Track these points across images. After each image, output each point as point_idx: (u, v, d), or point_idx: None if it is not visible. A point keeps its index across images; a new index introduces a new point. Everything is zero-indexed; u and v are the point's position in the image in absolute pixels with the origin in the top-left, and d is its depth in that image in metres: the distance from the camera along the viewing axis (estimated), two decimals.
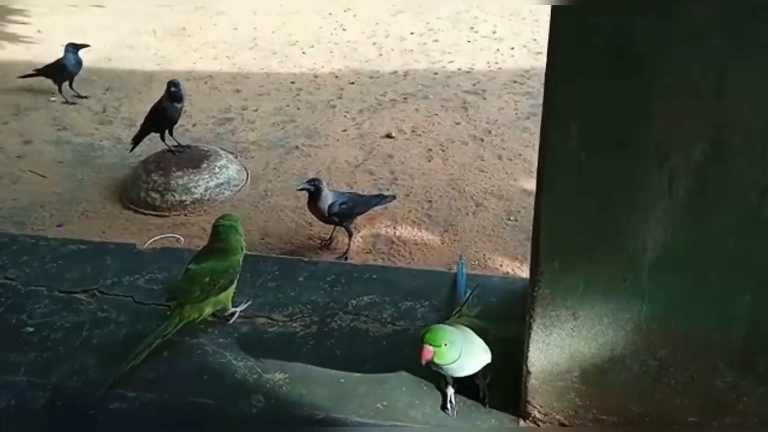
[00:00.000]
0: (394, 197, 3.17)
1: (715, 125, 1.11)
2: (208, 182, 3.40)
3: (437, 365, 1.48)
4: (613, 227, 1.23)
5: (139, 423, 1.62)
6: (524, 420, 1.54)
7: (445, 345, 1.43)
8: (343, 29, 5.44)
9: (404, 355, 1.72)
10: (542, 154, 1.21)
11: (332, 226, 3.04)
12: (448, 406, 1.59)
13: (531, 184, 3.52)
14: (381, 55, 5.00)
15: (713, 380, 1.35)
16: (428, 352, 1.43)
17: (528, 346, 1.42)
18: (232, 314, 1.88)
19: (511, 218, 3.29)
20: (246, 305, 1.91)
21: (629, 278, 1.27)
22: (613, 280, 1.28)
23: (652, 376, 1.37)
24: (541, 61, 5.19)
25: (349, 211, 2.92)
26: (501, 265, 2.99)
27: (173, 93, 3.36)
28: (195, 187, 3.37)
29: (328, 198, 2.89)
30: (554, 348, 1.40)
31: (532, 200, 3.59)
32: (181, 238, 3.08)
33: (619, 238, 1.23)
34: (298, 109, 4.30)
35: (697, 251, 1.22)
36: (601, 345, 1.36)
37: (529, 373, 1.45)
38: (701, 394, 1.37)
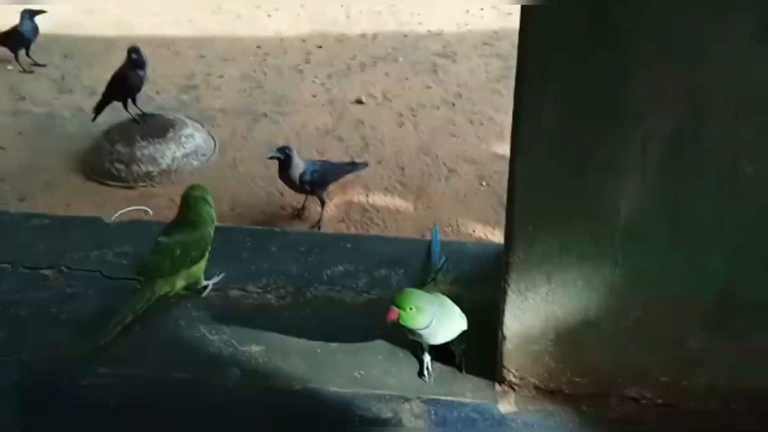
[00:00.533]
0: (366, 165, 3.15)
1: (690, 89, 1.11)
2: (174, 152, 3.34)
3: (409, 329, 1.47)
4: (587, 192, 1.23)
5: (111, 399, 1.59)
6: (500, 384, 1.55)
7: (410, 309, 1.43)
8: None
9: (380, 323, 1.71)
10: (516, 119, 1.19)
11: (304, 195, 3.01)
12: (425, 372, 1.59)
13: (503, 149, 3.52)
14: (349, 17, 4.91)
15: (686, 340, 1.37)
16: (393, 312, 1.43)
17: (503, 311, 1.43)
18: (205, 287, 1.84)
19: (484, 183, 3.29)
20: (219, 278, 1.88)
21: (603, 242, 1.27)
22: (587, 244, 1.28)
23: (625, 337, 1.39)
24: (512, 22, 5.14)
25: (321, 179, 2.90)
26: (474, 231, 3.00)
27: (134, 59, 3.27)
28: (161, 157, 3.31)
29: (299, 166, 2.86)
30: (529, 312, 1.40)
31: (504, 165, 3.58)
32: (150, 210, 3.03)
33: (593, 202, 1.23)
34: (265, 74, 4.22)
35: (670, 214, 1.23)
36: (575, 308, 1.37)
37: (504, 337, 1.46)
38: (674, 353, 1.40)
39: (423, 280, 1.76)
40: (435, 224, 2.24)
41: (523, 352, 1.47)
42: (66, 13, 4.89)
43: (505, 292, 1.40)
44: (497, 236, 2.84)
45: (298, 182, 2.85)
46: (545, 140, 1.19)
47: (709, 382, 1.42)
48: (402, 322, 1.44)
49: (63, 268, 1.94)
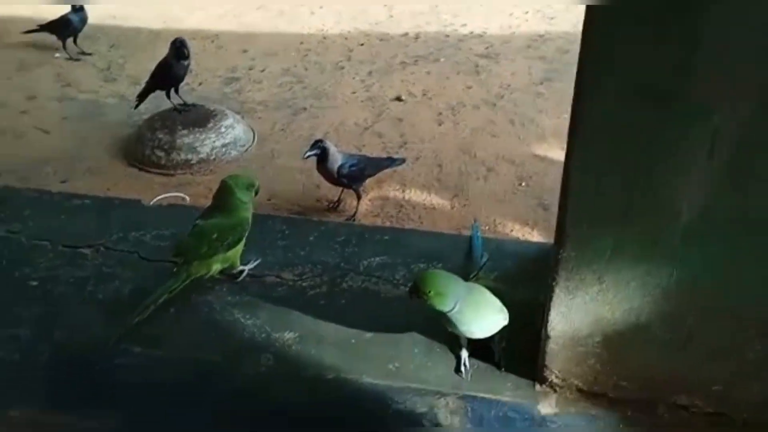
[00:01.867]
0: (404, 160, 3.12)
1: (764, 82, 1.04)
2: (214, 142, 3.34)
3: (443, 317, 1.44)
4: (648, 188, 1.16)
5: (144, 379, 1.58)
6: (540, 384, 1.49)
7: (430, 292, 1.41)
8: None
9: (417, 317, 1.67)
10: (576, 109, 1.14)
11: (340, 189, 2.98)
12: (462, 368, 1.55)
13: (543, 150, 3.47)
14: (391, 17, 4.89)
15: (743, 350, 1.30)
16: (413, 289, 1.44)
17: (549, 310, 1.37)
18: (241, 272, 1.83)
19: (522, 183, 3.23)
20: (255, 263, 1.86)
21: (661, 242, 1.21)
22: (644, 243, 1.22)
23: (677, 344, 1.32)
24: (555, 26, 5.09)
25: (358, 173, 2.87)
26: (512, 231, 2.94)
27: (179, 50, 3.29)
28: (201, 146, 3.31)
29: (337, 159, 2.83)
30: (577, 312, 1.35)
31: (543, 166, 3.53)
32: (187, 198, 3.03)
33: (655, 200, 1.17)
34: (306, 70, 4.22)
35: (734, 216, 1.16)
36: (626, 311, 1.31)
37: (548, 337, 1.41)
38: (729, 363, 1.33)
39: (464, 277, 1.71)
40: (476, 220, 2.19)
41: (568, 352, 1.41)
42: (114, 5, 4.96)
43: (552, 290, 1.34)
44: (536, 237, 2.78)
45: (335, 175, 2.82)
46: (606, 132, 1.13)
47: (764, 393, 1.34)
48: (428, 302, 1.42)
49: (101, 247, 1.94)
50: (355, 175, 2.85)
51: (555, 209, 3.24)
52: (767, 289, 1.23)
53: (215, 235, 1.72)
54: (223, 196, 1.79)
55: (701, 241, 1.20)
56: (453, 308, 1.42)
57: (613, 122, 1.12)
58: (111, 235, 1.99)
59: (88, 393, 1.56)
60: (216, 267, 1.75)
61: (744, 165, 1.11)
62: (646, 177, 1.16)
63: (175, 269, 1.74)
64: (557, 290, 1.34)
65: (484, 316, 1.47)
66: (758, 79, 1.04)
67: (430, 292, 1.41)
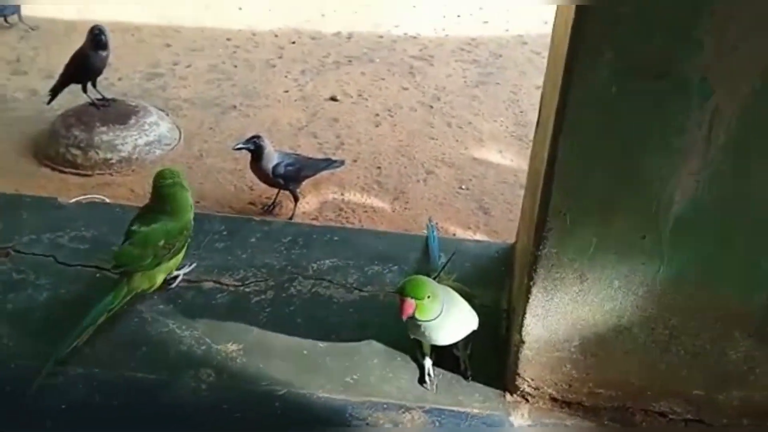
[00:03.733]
0: (342, 162, 2.98)
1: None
2: (136, 140, 3.10)
3: (416, 324, 1.30)
4: (638, 176, 1.08)
5: (68, 402, 1.37)
6: (511, 394, 1.39)
7: (428, 297, 1.27)
8: None
9: (374, 323, 1.54)
10: (565, 87, 1.04)
11: (276, 190, 2.82)
12: (426, 379, 1.42)
13: (481, 153, 3.42)
14: (323, 15, 4.75)
15: (726, 351, 1.24)
16: (410, 305, 1.26)
17: (524, 313, 1.27)
18: (174, 278, 1.64)
19: (463, 186, 3.17)
20: (190, 268, 1.68)
21: (649, 236, 1.13)
22: (631, 237, 1.14)
23: (660, 347, 1.25)
24: (489, 30, 5.07)
25: (295, 173, 2.71)
26: (454, 234, 2.86)
27: (97, 38, 3.04)
28: (122, 144, 3.07)
29: (272, 158, 2.67)
30: (554, 314, 1.25)
31: (482, 169, 3.46)
32: (107, 200, 2.78)
33: (645, 188, 1.09)
34: (235, 67, 4.02)
35: (728, 207, 1.09)
36: (607, 311, 1.22)
37: (522, 342, 1.30)
38: (711, 365, 1.26)
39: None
40: (431, 220, 2.08)
41: (543, 359, 1.31)
42: None
43: (528, 291, 1.24)
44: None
45: (271, 174, 2.65)
46: (596, 115, 1.04)
47: (745, 398, 1.29)
48: (419, 316, 1.26)
49: (10, 251, 1.71)
50: (292, 175, 2.70)
51: (495, 212, 3.16)
52: (755, 284, 1.17)
53: (162, 242, 1.52)
54: (168, 195, 1.57)
55: (692, 233, 1.12)
56: (439, 314, 1.29)
57: (605, 103, 1.03)
58: (22, 236, 1.76)
59: (8, 423, 1.35)
60: (160, 278, 1.56)
61: (744, 149, 1.03)
62: (636, 164, 1.07)
63: (115, 282, 1.53)
64: (534, 291, 1.23)
65: (459, 321, 1.35)
66: (762, 56, 0.97)
67: (427, 297, 1.27)
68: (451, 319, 1.32)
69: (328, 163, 2.91)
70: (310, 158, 2.92)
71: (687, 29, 0.97)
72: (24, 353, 1.46)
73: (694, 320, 1.22)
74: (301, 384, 1.41)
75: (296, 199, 2.78)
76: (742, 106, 1.00)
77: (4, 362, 1.44)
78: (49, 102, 3.20)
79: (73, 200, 2.56)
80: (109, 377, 1.42)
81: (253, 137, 2.68)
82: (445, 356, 1.46)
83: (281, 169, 2.67)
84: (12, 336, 1.50)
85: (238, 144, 2.68)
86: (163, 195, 1.57)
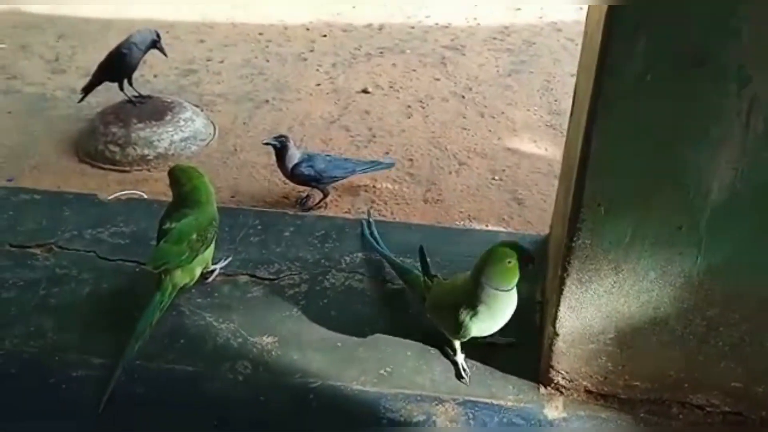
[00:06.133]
0: (392, 164, 2.94)
1: None
2: (172, 136, 3.14)
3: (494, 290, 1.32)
4: (675, 165, 1.06)
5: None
6: (545, 387, 1.39)
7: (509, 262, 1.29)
8: None
9: (407, 316, 1.55)
10: (599, 75, 1.02)
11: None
12: (461, 371, 1.43)
13: (514, 143, 3.38)
14: (354, 7, 4.75)
15: (765, 342, 1.22)
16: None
17: (558, 305, 1.26)
18: (211, 272, 1.67)
19: (496, 177, 3.14)
20: (226, 262, 1.70)
21: (686, 226, 1.11)
22: (668, 227, 1.12)
23: (697, 338, 1.23)
24: (522, 18, 5.01)
25: (316, 174, 2.70)
26: (487, 225, 2.85)
27: (159, 46, 3.17)
28: (158, 140, 3.11)
29: (294, 157, 2.68)
30: (589, 306, 1.24)
31: (516, 159, 3.43)
32: (144, 195, 2.84)
33: (681, 177, 1.07)
34: (267, 61, 4.04)
35: (767, 195, 1.07)
36: (643, 303, 1.21)
37: (556, 334, 1.30)
38: (750, 357, 1.24)
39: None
40: (369, 214, 2.03)
41: (577, 351, 1.30)
42: None
43: (562, 283, 1.23)
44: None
45: (290, 174, 2.68)
46: (631, 100, 1.02)
47: None
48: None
49: (53, 247, 1.76)
50: (311, 176, 2.69)
51: (529, 203, 3.13)
52: None
53: (195, 236, 1.55)
54: (191, 190, 1.61)
55: (730, 222, 1.10)
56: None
57: (642, 91, 1.01)
58: (64, 232, 1.81)
59: (44, 408, 1.39)
60: (198, 271, 1.59)
61: None
62: (672, 154, 1.05)
63: (157, 281, 1.56)
64: (568, 283, 1.23)
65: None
66: None
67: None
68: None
69: (372, 166, 2.87)
70: (350, 161, 2.88)
71: (724, 17, 0.95)
72: (68, 347, 1.50)
73: (732, 311, 1.19)
74: (335, 376, 1.43)
75: (325, 195, 2.78)
76: None
77: (49, 355, 1.48)
78: (80, 100, 3.26)
79: (112, 196, 2.62)
80: (148, 369, 1.45)
81: (280, 136, 2.70)
82: (477, 349, 1.46)
83: (300, 170, 2.68)
84: (56, 330, 1.54)
85: (268, 139, 2.71)
86: (181, 188, 1.62)
